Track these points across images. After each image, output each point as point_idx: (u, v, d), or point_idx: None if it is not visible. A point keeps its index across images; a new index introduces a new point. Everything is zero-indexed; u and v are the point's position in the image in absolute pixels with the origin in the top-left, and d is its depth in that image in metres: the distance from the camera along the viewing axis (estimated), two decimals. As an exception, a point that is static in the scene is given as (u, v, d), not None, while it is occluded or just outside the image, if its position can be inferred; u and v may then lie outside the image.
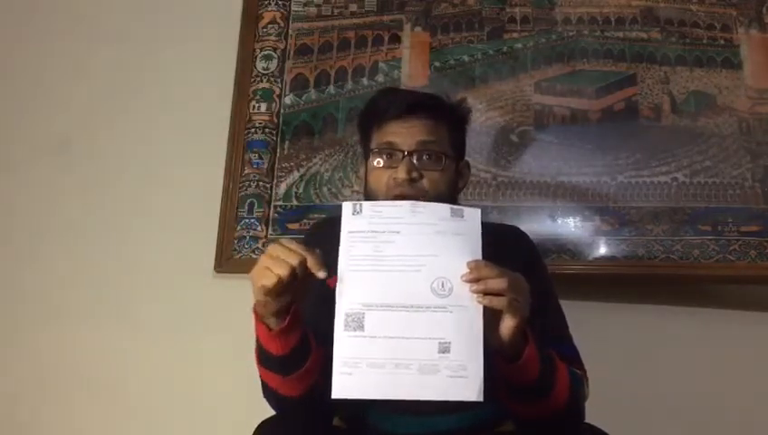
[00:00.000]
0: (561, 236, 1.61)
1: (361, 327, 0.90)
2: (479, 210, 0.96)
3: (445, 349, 0.89)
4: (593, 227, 1.61)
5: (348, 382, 0.89)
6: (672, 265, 1.57)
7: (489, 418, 1.08)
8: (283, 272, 0.89)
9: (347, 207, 0.95)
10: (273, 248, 0.92)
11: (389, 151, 1.11)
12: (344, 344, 0.90)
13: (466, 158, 1.23)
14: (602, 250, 1.59)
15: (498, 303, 0.89)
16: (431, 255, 0.92)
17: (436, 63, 1.79)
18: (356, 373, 0.89)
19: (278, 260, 0.90)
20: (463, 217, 0.95)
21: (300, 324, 0.96)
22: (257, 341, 1.01)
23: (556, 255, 1.59)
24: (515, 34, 1.79)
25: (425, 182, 1.09)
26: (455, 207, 0.96)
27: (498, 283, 0.89)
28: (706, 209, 1.59)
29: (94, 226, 1.83)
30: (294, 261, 0.89)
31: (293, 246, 0.92)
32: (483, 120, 1.72)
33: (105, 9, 2.00)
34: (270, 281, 0.90)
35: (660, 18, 1.75)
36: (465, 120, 1.20)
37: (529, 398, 0.97)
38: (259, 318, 0.97)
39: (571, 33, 1.77)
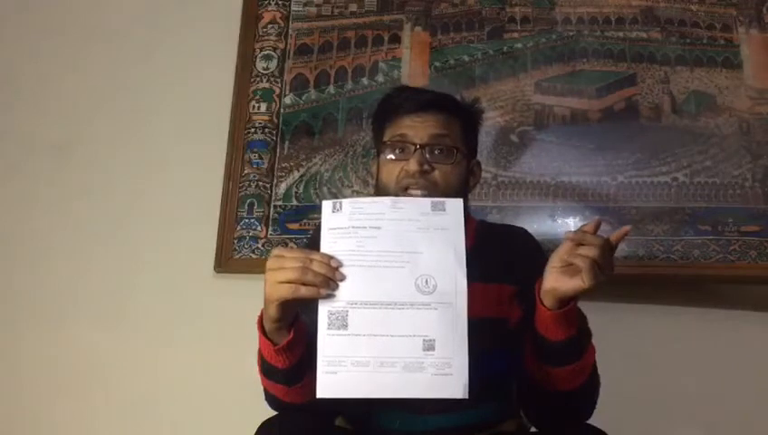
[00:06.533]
0: (561, 237, 1.59)
1: (345, 326, 0.90)
2: (461, 201, 0.96)
3: (429, 346, 0.90)
4: (593, 227, 1.61)
5: (332, 382, 0.89)
6: (672, 265, 1.57)
7: (492, 416, 1.08)
8: (294, 278, 0.89)
9: (326, 205, 0.94)
10: (273, 261, 0.92)
11: (402, 144, 1.12)
12: (328, 343, 0.90)
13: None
14: (602, 250, 1.59)
15: (581, 262, 0.90)
16: (414, 251, 0.92)
17: (436, 63, 1.79)
18: (341, 372, 0.89)
19: (285, 270, 0.90)
20: (445, 210, 0.94)
21: (304, 335, 0.96)
22: (260, 355, 1.01)
23: (556, 255, 1.58)
24: (515, 34, 1.79)
25: (436, 175, 1.10)
26: (435, 200, 0.96)
27: (590, 245, 0.91)
28: (707, 209, 1.59)
29: (94, 226, 1.83)
30: (301, 265, 0.90)
31: (296, 253, 0.92)
32: (483, 120, 1.72)
33: (105, 9, 2.00)
34: (286, 292, 0.90)
35: (660, 18, 1.75)
36: (477, 120, 1.22)
37: (563, 359, 0.97)
38: (264, 333, 0.97)
39: (571, 33, 1.77)
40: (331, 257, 0.91)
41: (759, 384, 1.56)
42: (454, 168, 1.12)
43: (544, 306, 0.95)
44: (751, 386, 1.56)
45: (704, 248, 1.56)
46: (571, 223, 1.62)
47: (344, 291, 0.90)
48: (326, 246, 0.92)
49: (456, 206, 0.95)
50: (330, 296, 0.90)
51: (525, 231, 1.26)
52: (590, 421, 1.02)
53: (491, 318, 1.06)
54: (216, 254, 1.72)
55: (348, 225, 0.93)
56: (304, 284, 0.89)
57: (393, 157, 1.13)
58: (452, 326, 0.90)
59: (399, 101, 1.16)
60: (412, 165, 1.09)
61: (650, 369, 1.57)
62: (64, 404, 1.73)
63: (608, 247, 0.93)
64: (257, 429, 0.98)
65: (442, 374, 0.89)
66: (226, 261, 1.72)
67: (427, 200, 0.96)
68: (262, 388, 1.06)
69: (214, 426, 1.64)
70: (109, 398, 1.72)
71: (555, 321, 0.95)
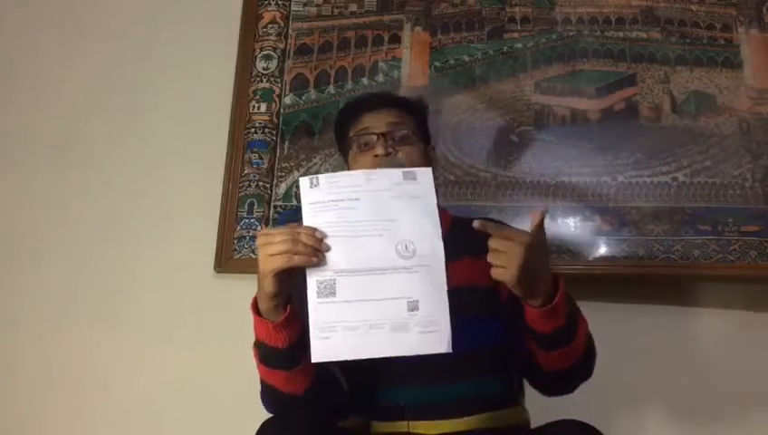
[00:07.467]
0: (561, 236, 1.61)
1: (333, 293, 0.95)
2: (430, 169, 1.03)
3: (414, 307, 0.95)
4: (593, 227, 1.61)
5: (325, 346, 0.94)
6: (672, 265, 1.57)
7: (493, 389, 1.13)
8: (286, 249, 0.94)
9: (304, 181, 1.00)
10: (262, 238, 0.98)
11: (366, 136, 1.23)
12: (319, 311, 0.95)
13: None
14: (602, 250, 1.59)
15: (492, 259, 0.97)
16: (392, 219, 0.98)
17: (436, 63, 1.79)
18: (333, 337, 0.94)
19: (275, 244, 0.95)
20: (416, 178, 1.01)
21: (299, 315, 1.00)
22: (258, 341, 1.03)
23: (556, 255, 1.58)
24: (515, 34, 1.79)
25: (400, 156, 1.20)
26: (406, 170, 1.03)
27: (491, 243, 0.97)
28: (706, 209, 1.59)
29: (94, 226, 1.83)
30: (290, 238, 0.95)
31: (279, 229, 0.98)
32: (483, 120, 1.72)
33: (105, 8, 2.00)
34: (280, 262, 0.94)
35: (660, 18, 1.75)
36: (424, 111, 1.34)
37: (551, 345, 1.05)
38: (259, 315, 1.00)
39: (571, 33, 1.77)
40: (315, 229, 0.96)
41: (758, 384, 1.56)
42: (413, 148, 1.22)
43: (528, 303, 1.01)
44: (750, 386, 1.56)
45: (704, 248, 1.56)
46: (570, 223, 1.62)
47: (330, 260, 0.96)
48: (308, 219, 0.98)
49: (425, 174, 1.02)
50: (317, 266, 0.95)
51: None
52: (589, 422, 1.02)
53: (483, 286, 1.11)
54: (216, 254, 1.72)
55: (327, 199, 0.98)
56: (296, 253, 0.95)
57: (359, 150, 1.23)
58: (432, 287, 0.96)
59: (358, 105, 1.30)
60: (378, 150, 1.19)
61: (650, 369, 1.57)
62: (63, 404, 1.73)
63: (504, 241, 0.97)
64: (258, 429, 0.99)
65: (428, 332, 0.95)
66: (226, 261, 1.72)
67: (399, 171, 1.02)
68: (260, 391, 1.07)
69: (213, 426, 1.64)
70: (108, 398, 1.72)
71: (540, 316, 1.01)
